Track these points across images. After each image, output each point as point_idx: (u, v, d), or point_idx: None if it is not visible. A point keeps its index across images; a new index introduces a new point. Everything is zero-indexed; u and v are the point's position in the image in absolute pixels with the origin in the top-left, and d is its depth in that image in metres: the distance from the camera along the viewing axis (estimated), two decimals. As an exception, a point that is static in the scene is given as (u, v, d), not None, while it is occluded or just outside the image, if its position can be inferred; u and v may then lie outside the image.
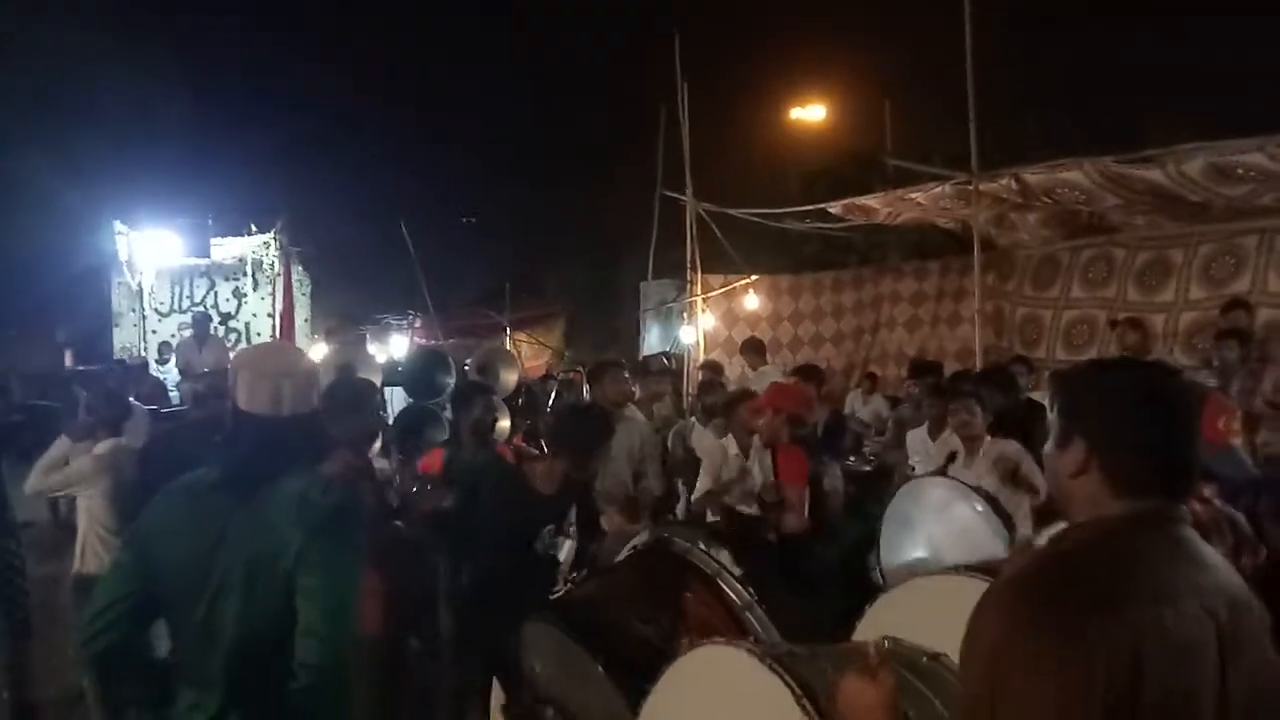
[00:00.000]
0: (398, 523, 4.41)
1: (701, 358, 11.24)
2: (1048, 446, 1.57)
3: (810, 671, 1.93)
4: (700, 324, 11.95)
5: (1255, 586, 2.81)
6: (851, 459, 7.02)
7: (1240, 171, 7.40)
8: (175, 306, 13.33)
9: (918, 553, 4.13)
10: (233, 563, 2.12)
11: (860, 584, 4.33)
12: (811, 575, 4.28)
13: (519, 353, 14.05)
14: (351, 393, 4.22)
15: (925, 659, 1.99)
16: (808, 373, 6.82)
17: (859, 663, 1.58)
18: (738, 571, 2.88)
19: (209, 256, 13.49)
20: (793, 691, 1.87)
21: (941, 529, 4.04)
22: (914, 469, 5.92)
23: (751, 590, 2.86)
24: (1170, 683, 1.26)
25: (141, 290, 13.14)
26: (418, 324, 19.24)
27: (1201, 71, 15.32)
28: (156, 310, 13.25)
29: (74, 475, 4.72)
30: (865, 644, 1.68)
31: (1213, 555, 1.47)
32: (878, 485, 7.00)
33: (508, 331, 18.16)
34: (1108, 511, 1.44)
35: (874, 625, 2.85)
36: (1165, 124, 11.54)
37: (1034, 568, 1.42)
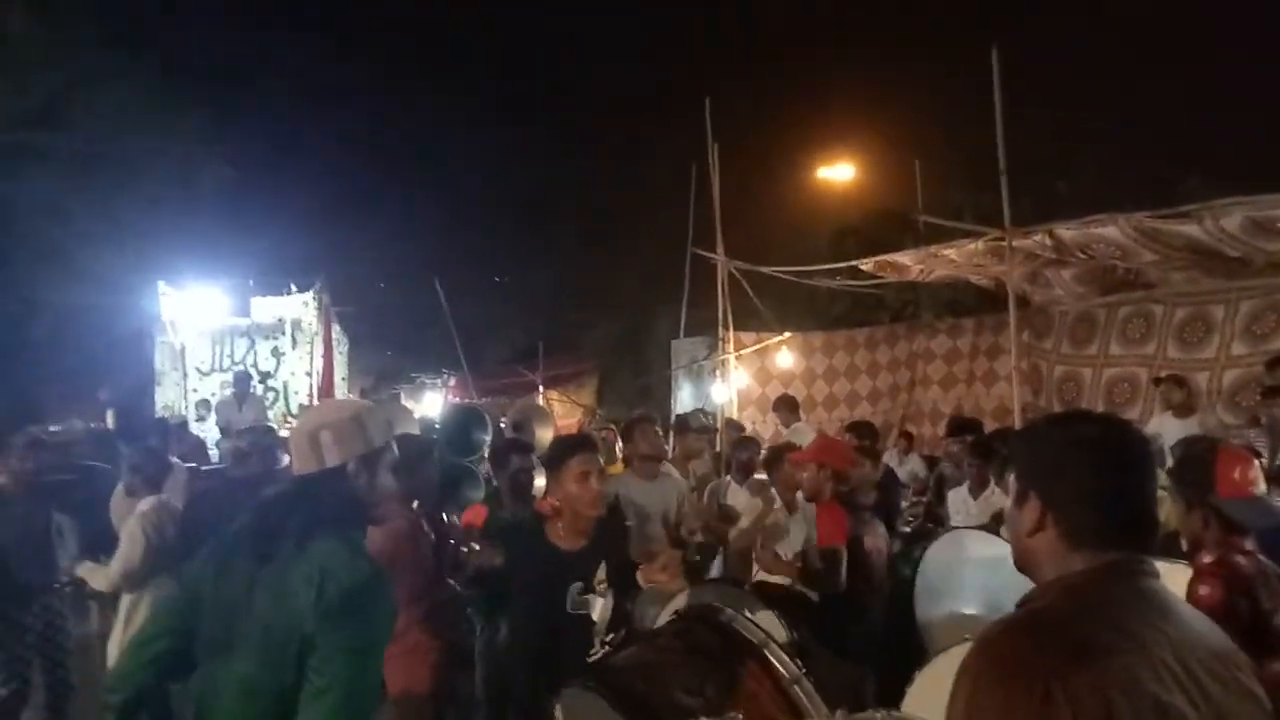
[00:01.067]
0: (451, 581, 4.41)
1: (736, 415, 11.20)
2: (1008, 505, 1.57)
3: None
4: (733, 382, 11.93)
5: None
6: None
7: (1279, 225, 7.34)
8: (216, 365, 13.56)
9: (967, 608, 4.04)
10: (251, 626, 2.06)
11: (905, 644, 4.24)
12: (856, 638, 4.18)
13: (552, 411, 14.08)
14: (412, 447, 4.28)
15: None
16: (861, 430, 6.76)
17: None
18: (784, 641, 2.83)
19: (249, 316, 13.77)
20: None
21: (992, 581, 3.94)
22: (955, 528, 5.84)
23: (800, 662, 2.81)
24: None
25: (184, 350, 13.39)
26: (452, 382, 19.43)
27: (1234, 131, 15.33)
28: (198, 369, 13.49)
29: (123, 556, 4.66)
30: None
31: (1186, 607, 1.45)
32: (920, 544, 6.91)
33: (541, 389, 18.23)
34: (1071, 567, 1.43)
35: (922, 691, 2.80)
36: (1197, 184, 11.53)
37: (1001, 629, 1.39)
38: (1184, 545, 2.97)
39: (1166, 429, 6.63)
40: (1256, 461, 2.98)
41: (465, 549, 4.51)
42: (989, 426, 9.27)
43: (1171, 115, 16.04)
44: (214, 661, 2.10)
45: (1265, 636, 2.52)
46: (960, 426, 7.17)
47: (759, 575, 4.66)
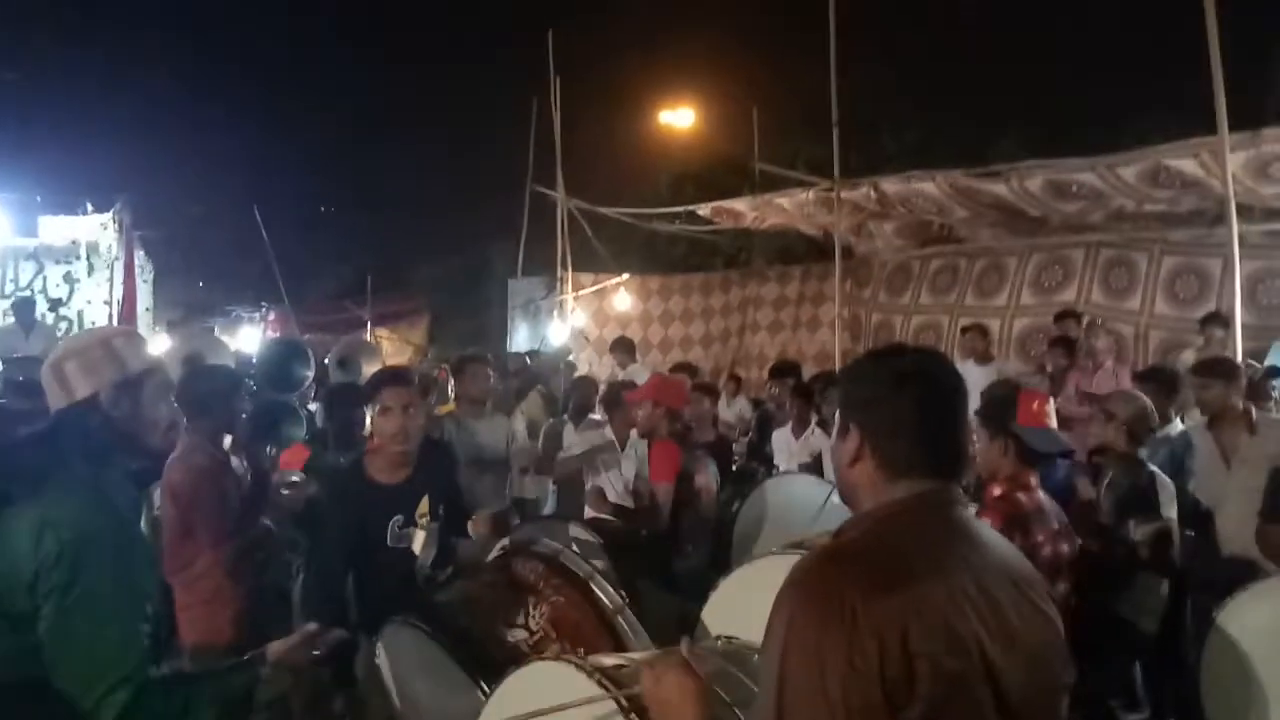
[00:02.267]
0: (265, 521, 4.18)
1: (573, 356, 11.20)
2: (831, 438, 1.63)
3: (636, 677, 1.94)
4: (570, 322, 11.90)
5: (1069, 573, 3.04)
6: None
7: (1074, 189, 7.99)
8: (-1, 291, 12.19)
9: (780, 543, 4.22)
10: None
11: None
12: (682, 572, 4.29)
13: (380, 349, 13.61)
14: (218, 380, 4.01)
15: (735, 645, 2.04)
16: (686, 372, 6.90)
17: (665, 657, 1.60)
18: (610, 574, 2.86)
19: (37, 236, 12.40)
20: (619, 704, 1.88)
21: (806, 521, 4.13)
22: (778, 468, 6.10)
23: (624, 594, 2.84)
24: (943, 661, 1.29)
25: (-43, 272, 11.95)
26: (271, 317, 18.38)
27: (1043, 97, 16.48)
28: (-24, 295, 12.09)
29: None
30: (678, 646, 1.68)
31: (990, 534, 1.53)
32: (745, 484, 7.18)
33: (369, 327, 17.57)
34: (887, 497, 1.48)
35: (717, 608, 2.89)
36: (1011, 146, 12.36)
37: (813, 558, 1.44)
38: (980, 475, 3.21)
39: (968, 375, 7.09)
40: (1051, 400, 3.27)
41: (284, 488, 4.30)
42: (811, 371, 9.73)
43: (990, 78, 17.06)
44: None
45: (1037, 564, 2.78)
46: (781, 369, 7.46)
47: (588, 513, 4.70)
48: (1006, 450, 3.05)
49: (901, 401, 1.49)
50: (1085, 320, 8.03)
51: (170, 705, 1.97)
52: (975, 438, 3.14)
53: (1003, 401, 3.17)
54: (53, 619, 1.84)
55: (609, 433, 5.03)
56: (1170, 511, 3.78)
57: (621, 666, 2.00)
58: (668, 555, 4.26)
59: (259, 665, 2.27)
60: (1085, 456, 4.22)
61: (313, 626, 2.52)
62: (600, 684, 1.89)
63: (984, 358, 7.57)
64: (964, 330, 8.12)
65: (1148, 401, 4.08)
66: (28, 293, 11.79)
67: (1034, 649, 1.41)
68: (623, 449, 4.93)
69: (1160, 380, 4.90)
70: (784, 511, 4.40)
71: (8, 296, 12.15)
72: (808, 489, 4.48)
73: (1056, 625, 1.49)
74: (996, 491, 3.04)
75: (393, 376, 3.58)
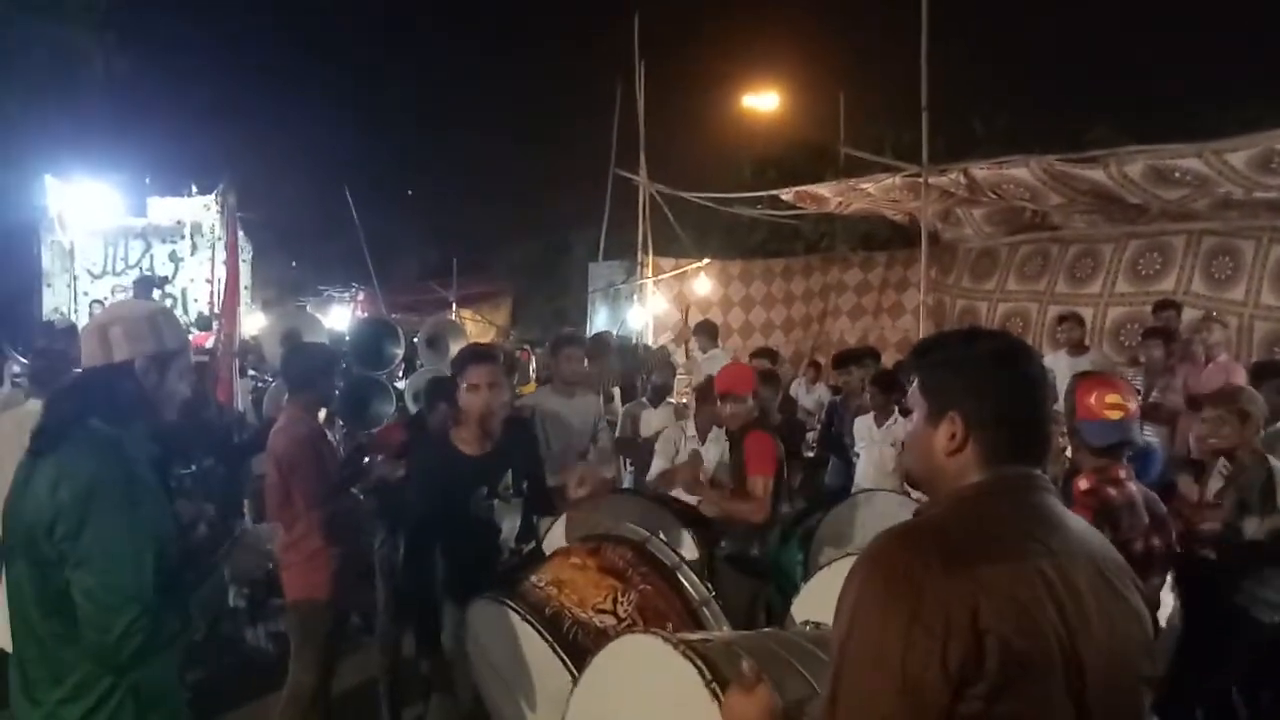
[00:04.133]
0: (354, 490, 4.38)
1: (652, 340, 11.26)
2: (915, 425, 1.57)
3: (723, 657, 1.99)
4: (651, 306, 11.96)
5: (1162, 567, 2.96)
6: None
7: (1177, 175, 7.66)
8: (108, 268, 12.84)
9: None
10: (18, 524, 2.06)
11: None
12: (767, 563, 4.29)
13: (465, 329, 13.90)
14: (317, 356, 4.23)
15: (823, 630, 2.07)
16: (762, 356, 6.89)
17: (741, 674, 1.63)
18: (696, 559, 2.90)
19: (146, 216, 13.03)
20: (702, 676, 1.92)
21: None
22: (859, 455, 6.06)
23: (709, 585, 2.89)
24: (1012, 642, 1.28)
25: (74, 249, 12.63)
26: (360, 297, 18.95)
27: (1146, 82, 15.82)
28: (89, 271, 12.76)
29: None
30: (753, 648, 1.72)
31: (1076, 521, 1.50)
32: (820, 471, 7.16)
33: (453, 307, 17.96)
34: (967, 481, 1.47)
35: (805, 603, 2.92)
36: (1107, 132, 11.91)
37: (888, 535, 1.44)
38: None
39: (1059, 365, 6.93)
40: (1121, 386, 3.14)
41: (368, 459, 4.48)
42: (894, 358, 9.58)
43: (1084, 65, 16.45)
44: (8, 562, 2.13)
45: (1128, 559, 2.73)
46: (846, 358, 7.40)
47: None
48: (1078, 448, 3.02)
49: (1003, 388, 1.48)
50: (1200, 313, 7.69)
51: (173, 628, 2.11)
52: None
53: (1066, 394, 3.13)
54: (70, 564, 1.99)
55: (689, 425, 5.07)
56: None
57: (707, 641, 2.06)
58: (749, 542, 4.26)
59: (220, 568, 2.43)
60: (1190, 452, 4.10)
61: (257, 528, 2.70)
62: (688, 657, 1.95)
63: (1078, 348, 7.35)
64: (1060, 319, 7.87)
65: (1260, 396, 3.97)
66: (136, 270, 12.41)
67: (1116, 640, 1.39)
68: (702, 440, 4.95)
69: (1276, 376, 4.78)
70: (866, 530, 4.35)
71: (119, 274, 12.81)
72: (891, 507, 4.44)
73: (1143, 618, 1.47)
74: (1084, 485, 2.98)
75: (477, 354, 3.68)
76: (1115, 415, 3.00)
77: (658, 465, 5.03)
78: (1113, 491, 2.93)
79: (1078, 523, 1.51)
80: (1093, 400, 3.02)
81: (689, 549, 3.80)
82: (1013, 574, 1.32)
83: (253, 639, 5.50)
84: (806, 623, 2.53)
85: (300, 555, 3.82)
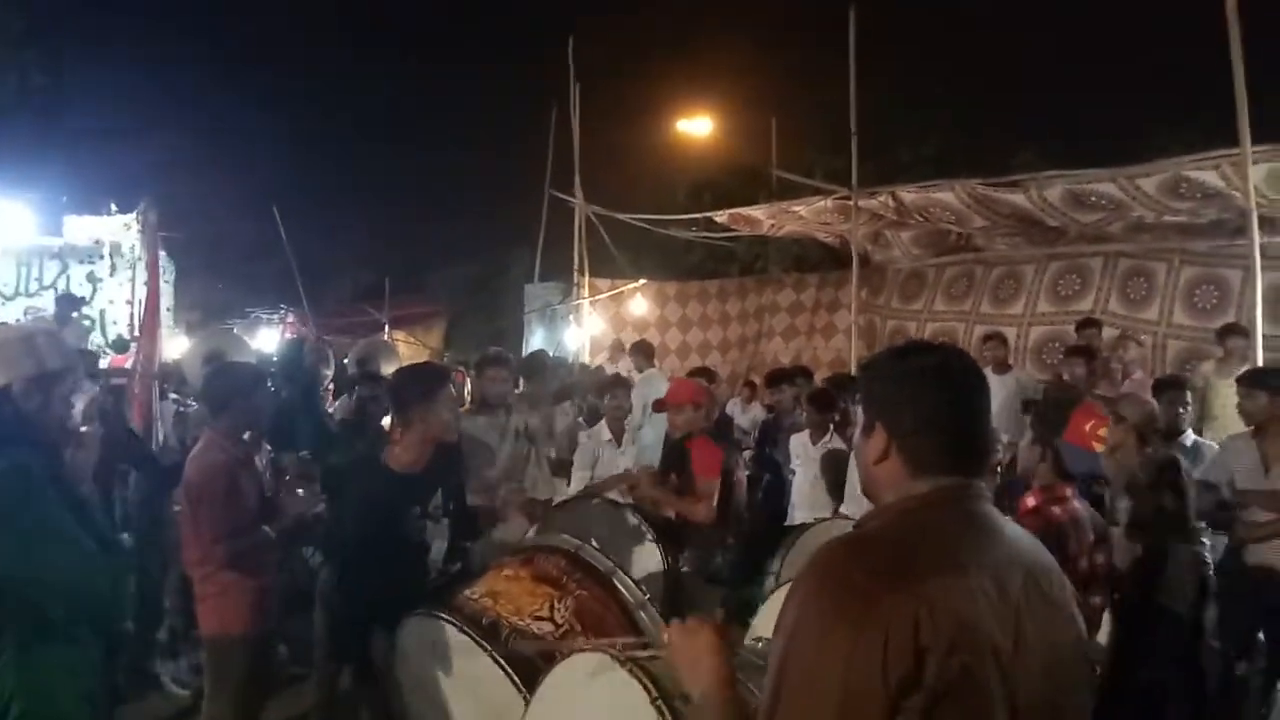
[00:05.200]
0: (264, 527, 4.17)
1: (588, 361, 11.23)
2: (856, 435, 1.64)
3: (669, 674, 1.97)
4: (588, 327, 11.94)
5: (1105, 584, 3.03)
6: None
7: (1094, 200, 7.97)
8: (21, 289, 12.31)
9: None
10: None
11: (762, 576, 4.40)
12: (720, 566, 4.32)
13: (397, 351, 13.67)
14: (237, 377, 3.98)
15: None
16: (700, 375, 6.98)
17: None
18: (662, 569, 2.88)
19: (61, 236, 12.54)
20: (648, 692, 1.91)
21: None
22: (794, 472, 6.11)
23: (644, 588, 2.88)
24: (951, 655, 1.28)
25: (-16, 270, 12.10)
26: (290, 319, 18.50)
27: (1062, 111, 16.46)
28: (0, 293, 12.24)
29: None
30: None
31: (1011, 528, 1.52)
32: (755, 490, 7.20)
33: (387, 329, 17.68)
34: (910, 492, 1.48)
35: (764, 621, 2.93)
36: (1030, 158, 12.34)
37: (832, 546, 1.45)
38: (1018, 472, 3.22)
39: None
40: (1108, 424, 3.24)
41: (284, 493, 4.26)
42: (826, 377, 9.72)
43: (1011, 89, 17.05)
44: None
45: (1072, 577, 2.76)
46: (778, 377, 7.51)
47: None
48: (1045, 457, 3.05)
49: (927, 399, 1.50)
50: (1117, 331, 7.98)
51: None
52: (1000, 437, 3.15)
53: (1058, 408, 3.18)
54: None
55: (603, 430, 5.10)
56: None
57: (655, 658, 2.04)
58: (711, 547, 4.28)
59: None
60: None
61: None
62: (634, 675, 1.93)
63: (1002, 366, 7.55)
64: (985, 339, 8.09)
65: (1155, 405, 4.10)
66: (52, 290, 11.92)
67: (1051, 646, 1.40)
68: (619, 443, 4.99)
69: (1174, 389, 4.97)
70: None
71: (32, 295, 12.29)
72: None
73: (1075, 620, 1.48)
74: (1030, 503, 3.03)
75: (449, 373, 3.62)
76: (1097, 447, 3.08)
77: (578, 477, 5.03)
78: (1058, 510, 2.98)
79: (1013, 530, 1.53)
80: (1088, 428, 3.08)
81: (655, 560, 3.79)
82: (953, 588, 1.33)
83: (174, 672, 5.28)
84: (759, 639, 2.53)
85: (214, 588, 3.58)
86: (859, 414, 1.63)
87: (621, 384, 5.59)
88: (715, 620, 1.62)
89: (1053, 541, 2.81)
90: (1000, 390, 7.12)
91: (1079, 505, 3.07)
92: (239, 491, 3.65)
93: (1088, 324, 7.70)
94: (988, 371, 7.01)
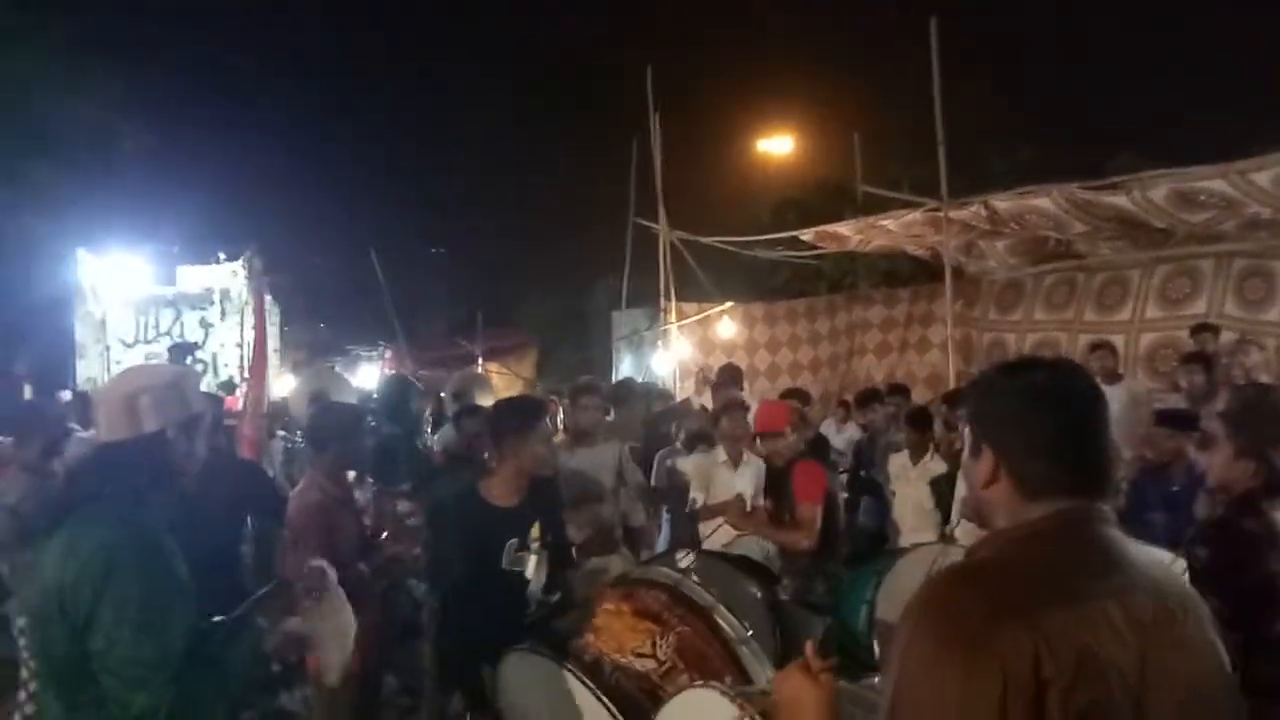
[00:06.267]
0: (361, 566, 4.25)
1: (677, 386, 11.22)
2: (964, 457, 1.55)
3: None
4: (676, 352, 11.94)
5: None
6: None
7: (1203, 198, 7.58)
8: (141, 337, 13.04)
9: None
10: (32, 599, 2.02)
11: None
12: (823, 594, 4.20)
13: (491, 383, 13.94)
14: (338, 417, 4.11)
15: None
16: (793, 397, 6.90)
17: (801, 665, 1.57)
18: (761, 602, 2.83)
19: (175, 285, 13.27)
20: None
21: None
22: (894, 493, 5.95)
23: (746, 624, 2.82)
24: (1075, 690, 1.22)
25: (106, 320, 12.86)
26: (388, 354, 19.09)
27: (1163, 105, 15.78)
28: (121, 341, 12.98)
29: None
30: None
31: (1142, 553, 1.43)
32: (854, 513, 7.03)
33: (479, 361, 18.06)
34: (1024, 517, 1.41)
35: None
36: (1129, 160, 11.85)
37: (943, 576, 1.40)
38: (1209, 484, 2.93)
39: (1095, 395, 6.83)
40: None
41: (383, 533, 4.33)
42: (923, 394, 9.47)
43: (1105, 92, 16.45)
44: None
45: (1276, 596, 2.49)
46: (868, 397, 7.34)
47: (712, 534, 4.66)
48: (1257, 473, 2.70)
49: (1037, 419, 1.43)
50: (1234, 336, 7.53)
51: (206, 690, 2.05)
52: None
53: (1271, 415, 2.85)
54: (89, 639, 1.93)
55: (719, 453, 5.03)
56: None
57: (765, 694, 2.00)
58: (812, 574, 4.19)
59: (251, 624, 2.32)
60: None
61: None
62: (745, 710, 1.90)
63: (1112, 376, 7.21)
64: (1093, 348, 7.73)
65: None
66: (168, 338, 12.60)
67: (1188, 678, 1.31)
68: (734, 466, 4.91)
69: None
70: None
71: (150, 341, 13.01)
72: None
73: (1218, 654, 1.38)
74: (1219, 515, 2.76)
75: (546, 407, 3.66)
76: None
77: (696, 498, 4.99)
78: (1252, 523, 2.69)
79: (1143, 555, 1.44)
80: None
81: (751, 592, 3.74)
82: (1074, 619, 1.26)
83: (288, 703, 5.43)
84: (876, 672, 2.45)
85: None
86: (966, 434, 1.54)
87: (736, 405, 5.49)
88: (820, 662, 1.56)
89: (1247, 555, 2.57)
90: (1111, 402, 6.80)
91: (1275, 518, 2.74)
92: (336, 530, 3.71)
93: (1202, 329, 7.29)
94: (1097, 382, 6.74)
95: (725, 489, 5.05)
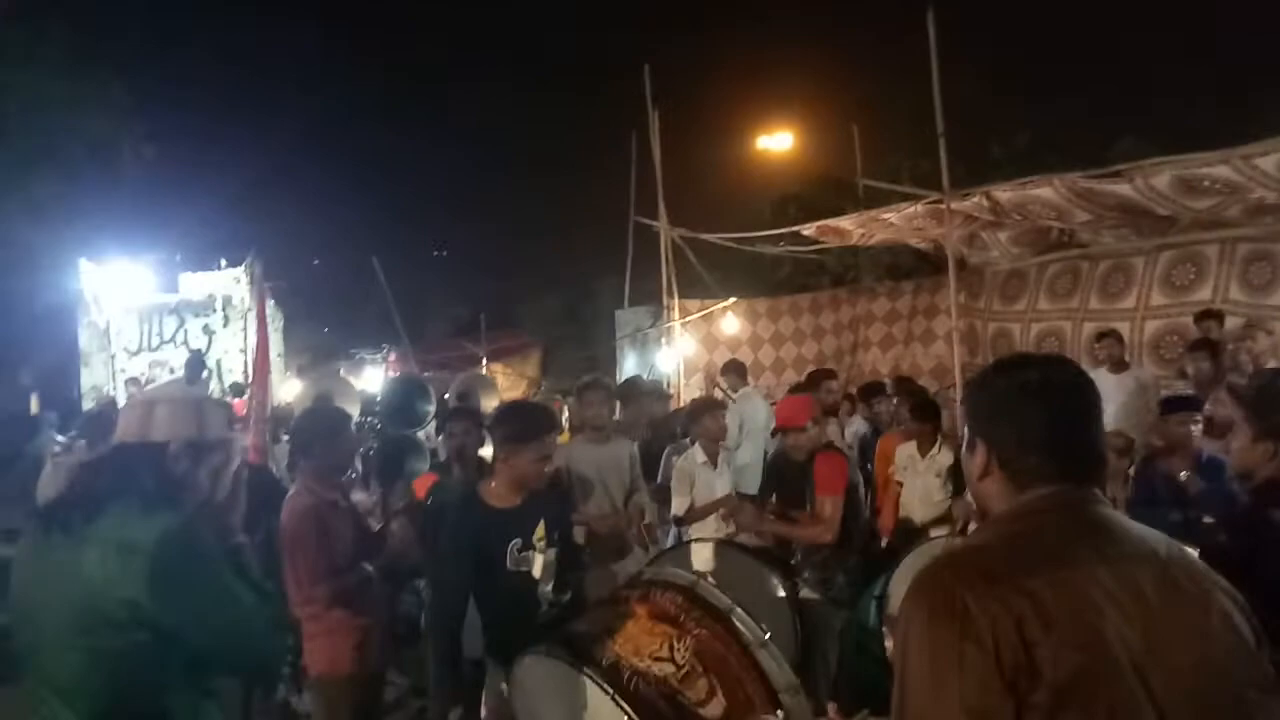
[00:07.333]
0: (365, 565, 4.23)
1: (681, 383, 11.21)
2: (963, 451, 1.63)
3: None
4: (680, 349, 11.92)
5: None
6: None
7: (1206, 184, 7.54)
8: (144, 344, 13.09)
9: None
10: (52, 599, 1.96)
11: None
12: (842, 587, 4.15)
13: (496, 383, 13.94)
14: (320, 421, 4.08)
15: None
16: (826, 377, 7.19)
17: None
18: (783, 597, 2.81)
19: (178, 292, 13.31)
20: None
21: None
22: (901, 484, 5.93)
23: (764, 625, 2.81)
24: (1064, 652, 1.26)
25: (109, 328, 12.90)
26: (392, 357, 19.10)
27: (1157, 91, 15.72)
28: (125, 349, 13.01)
29: None
30: None
31: (1139, 529, 1.46)
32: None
33: (484, 362, 18.06)
34: (1015, 505, 1.49)
35: None
36: (1131, 145, 11.81)
37: (933, 562, 1.45)
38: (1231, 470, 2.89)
39: (1102, 384, 6.78)
40: None
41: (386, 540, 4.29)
42: (928, 386, 9.43)
43: (1105, 79, 16.40)
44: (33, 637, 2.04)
45: None
46: (870, 391, 7.33)
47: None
48: (1277, 455, 2.66)
49: (1026, 414, 1.49)
50: (1240, 321, 7.50)
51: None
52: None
53: None
54: (165, 627, 1.93)
55: (698, 452, 5.05)
56: None
57: None
58: (830, 568, 4.15)
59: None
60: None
61: None
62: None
63: (1119, 365, 7.18)
64: (1099, 336, 7.71)
65: None
66: (172, 345, 12.63)
67: (1201, 645, 1.33)
68: (714, 465, 4.91)
69: None
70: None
71: (154, 349, 13.05)
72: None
73: (1233, 623, 1.39)
74: (1243, 502, 2.72)
75: (552, 426, 3.63)
76: None
77: (677, 502, 4.97)
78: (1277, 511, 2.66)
79: (1143, 530, 1.47)
80: None
81: (776, 588, 3.72)
82: (1061, 580, 1.31)
83: (297, 705, 5.43)
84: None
85: (320, 628, 3.64)
86: (963, 429, 1.62)
87: (715, 405, 5.52)
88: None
89: (1272, 546, 2.51)
90: (1119, 391, 6.77)
91: None
92: (330, 533, 3.68)
93: (1207, 315, 7.26)
94: (1104, 371, 6.76)
95: (706, 489, 5.04)
